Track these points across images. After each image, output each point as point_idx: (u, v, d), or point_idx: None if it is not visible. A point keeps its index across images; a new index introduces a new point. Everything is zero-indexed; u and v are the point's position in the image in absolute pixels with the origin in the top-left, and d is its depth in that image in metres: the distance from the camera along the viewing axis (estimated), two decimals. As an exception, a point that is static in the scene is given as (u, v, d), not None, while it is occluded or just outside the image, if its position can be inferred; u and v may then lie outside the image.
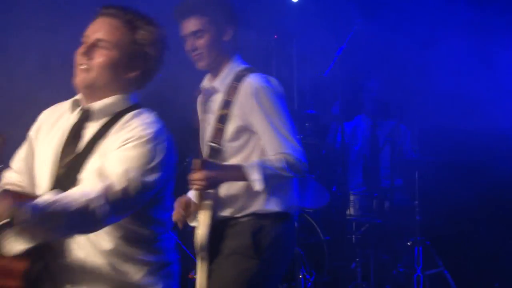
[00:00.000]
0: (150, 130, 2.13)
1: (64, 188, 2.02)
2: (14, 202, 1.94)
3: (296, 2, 4.99)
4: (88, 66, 2.08)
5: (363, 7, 4.71)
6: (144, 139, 2.07)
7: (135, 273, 2.09)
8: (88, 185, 1.95)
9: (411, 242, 4.83)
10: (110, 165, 1.99)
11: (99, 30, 2.10)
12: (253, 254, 2.86)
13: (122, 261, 2.07)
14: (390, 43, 4.64)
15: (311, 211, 4.79)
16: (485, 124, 4.48)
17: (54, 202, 1.90)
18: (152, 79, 2.22)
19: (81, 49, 2.09)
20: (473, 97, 4.50)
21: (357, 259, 4.74)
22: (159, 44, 2.18)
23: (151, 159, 2.03)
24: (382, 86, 5.22)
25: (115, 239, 2.05)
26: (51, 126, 2.25)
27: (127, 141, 2.04)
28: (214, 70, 3.05)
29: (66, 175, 2.11)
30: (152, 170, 2.00)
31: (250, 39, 4.32)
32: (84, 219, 1.91)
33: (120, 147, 2.04)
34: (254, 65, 3.04)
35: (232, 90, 2.99)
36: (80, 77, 2.08)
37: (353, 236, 4.78)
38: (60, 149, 2.14)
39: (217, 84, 3.03)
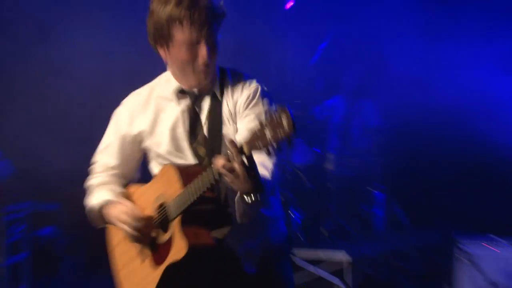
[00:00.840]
0: (254, 83, 2.52)
1: (213, 153, 2.37)
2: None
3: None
4: (211, 64, 2.42)
5: (340, 15, 5.91)
6: (258, 92, 2.46)
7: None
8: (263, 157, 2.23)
9: (373, 188, 6.34)
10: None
11: (205, 30, 2.36)
12: None
13: None
14: (362, 39, 5.82)
15: (300, 166, 6.21)
16: (433, 99, 5.70)
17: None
18: None
19: (207, 51, 2.36)
20: (424, 77, 5.73)
21: (333, 201, 6.19)
22: None
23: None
24: (355, 72, 6.51)
25: None
26: (154, 115, 2.57)
27: (248, 98, 2.44)
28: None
29: (211, 144, 2.46)
30: None
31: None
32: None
33: (247, 104, 2.43)
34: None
35: None
36: (207, 75, 2.41)
37: (331, 183, 6.22)
38: (185, 129, 2.48)
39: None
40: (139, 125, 2.62)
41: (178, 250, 2.34)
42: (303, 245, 5.90)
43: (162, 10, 2.38)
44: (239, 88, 2.57)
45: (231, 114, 2.49)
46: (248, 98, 2.49)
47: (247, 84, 2.63)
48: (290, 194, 5.99)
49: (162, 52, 2.47)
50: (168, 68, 2.59)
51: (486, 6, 5.87)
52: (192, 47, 2.35)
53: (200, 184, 2.22)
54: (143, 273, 2.54)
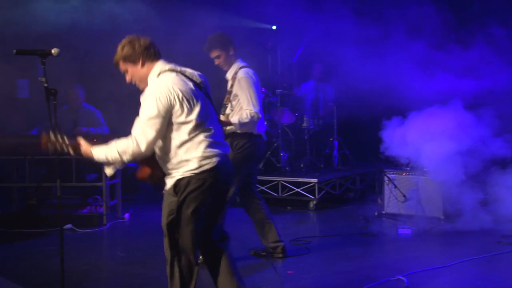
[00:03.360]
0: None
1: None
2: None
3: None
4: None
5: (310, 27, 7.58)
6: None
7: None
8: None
9: (332, 138, 8.29)
10: None
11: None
12: None
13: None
14: (325, 42, 7.48)
15: (286, 124, 8.09)
16: (368, 83, 7.09)
17: None
18: None
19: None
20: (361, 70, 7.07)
21: (307, 146, 8.06)
22: None
23: None
24: (321, 64, 8.56)
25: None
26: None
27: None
28: (226, 69, 4.92)
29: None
30: None
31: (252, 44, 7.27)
32: None
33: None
34: (255, 59, 5.11)
35: (233, 78, 4.83)
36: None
37: (306, 135, 8.11)
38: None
39: (228, 76, 4.93)
40: None
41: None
42: (288, 174, 7.75)
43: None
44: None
45: None
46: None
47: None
48: (280, 142, 7.92)
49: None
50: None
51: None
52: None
53: None
54: None
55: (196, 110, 3.29)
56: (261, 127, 4.86)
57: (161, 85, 3.25)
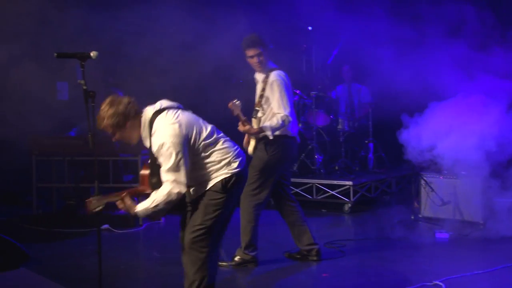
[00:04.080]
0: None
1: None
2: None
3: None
4: None
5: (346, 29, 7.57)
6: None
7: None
8: None
9: (367, 141, 8.24)
10: None
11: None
12: None
13: None
14: (360, 43, 7.36)
15: (321, 127, 8.05)
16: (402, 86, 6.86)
17: None
18: None
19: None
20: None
21: (342, 148, 8.02)
22: None
23: None
24: (350, 66, 8.47)
25: None
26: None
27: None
28: (260, 70, 4.86)
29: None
30: None
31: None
32: None
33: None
34: (289, 60, 5.26)
35: (264, 82, 4.82)
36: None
37: (341, 137, 8.05)
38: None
39: (258, 77, 4.91)
40: None
41: None
42: (323, 176, 7.74)
43: None
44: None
45: None
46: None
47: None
48: (315, 144, 7.91)
49: None
50: None
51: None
52: None
53: None
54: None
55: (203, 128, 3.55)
56: (294, 129, 4.89)
57: (166, 128, 3.39)
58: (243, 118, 4.56)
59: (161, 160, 3.36)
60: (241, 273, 3.96)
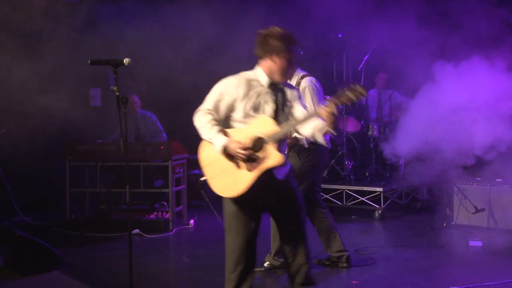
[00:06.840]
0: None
1: (282, 121, 3.41)
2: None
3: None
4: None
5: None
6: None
7: None
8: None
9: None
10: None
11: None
12: None
13: None
14: (388, 52, 7.30)
15: (352, 132, 8.05)
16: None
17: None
18: None
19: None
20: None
21: (373, 155, 7.98)
22: None
23: None
24: (386, 74, 8.46)
25: None
26: (247, 91, 3.39)
27: (299, 91, 3.59)
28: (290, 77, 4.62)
29: (284, 114, 3.46)
30: None
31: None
32: None
33: (298, 95, 3.54)
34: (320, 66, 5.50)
35: (297, 86, 4.76)
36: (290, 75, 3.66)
37: (371, 144, 8.05)
38: (273, 104, 3.41)
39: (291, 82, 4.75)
40: (236, 94, 3.41)
41: (275, 159, 3.27)
42: (353, 182, 7.71)
43: (282, 43, 3.40)
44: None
45: (288, 99, 3.57)
46: (298, 91, 3.69)
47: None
48: (345, 150, 7.89)
49: (268, 60, 3.41)
50: (262, 68, 3.49)
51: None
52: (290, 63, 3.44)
53: (287, 129, 3.33)
54: (239, 176, 3.32)
55: None
56: (326, 136, 4.77)
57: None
58: None
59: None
60: (270, 279, 3.91)
